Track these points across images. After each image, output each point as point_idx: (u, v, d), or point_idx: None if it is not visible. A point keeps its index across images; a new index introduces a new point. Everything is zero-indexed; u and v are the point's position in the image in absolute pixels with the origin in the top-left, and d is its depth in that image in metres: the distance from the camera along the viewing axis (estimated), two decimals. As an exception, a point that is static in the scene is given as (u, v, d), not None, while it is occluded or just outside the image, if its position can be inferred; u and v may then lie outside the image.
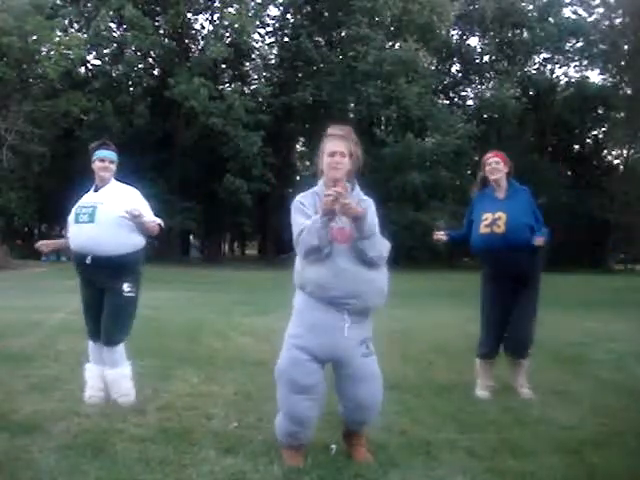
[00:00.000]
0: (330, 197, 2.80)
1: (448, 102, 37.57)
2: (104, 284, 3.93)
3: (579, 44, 38.05)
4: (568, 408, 4.10)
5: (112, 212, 3.90)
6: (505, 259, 4.24)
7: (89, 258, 3.85)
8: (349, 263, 2.90)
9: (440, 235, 4.70)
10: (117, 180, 4.18)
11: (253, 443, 3.25)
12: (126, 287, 3.93)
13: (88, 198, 4.08)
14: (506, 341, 4.43)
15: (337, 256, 2.91)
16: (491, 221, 4.29)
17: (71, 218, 4.04)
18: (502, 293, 4.39)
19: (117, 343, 4.00)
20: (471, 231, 4.52)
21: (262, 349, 5.82)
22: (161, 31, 31.20)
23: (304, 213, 3.00)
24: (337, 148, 3.03)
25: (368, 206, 3.07)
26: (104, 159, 4.07)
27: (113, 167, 4.11)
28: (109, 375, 4.01)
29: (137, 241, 3.99)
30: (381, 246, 3.00)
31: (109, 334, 3.97)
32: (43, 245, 4.18)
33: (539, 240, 4.18)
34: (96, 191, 4.08)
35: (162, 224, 4.08)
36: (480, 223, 4.37)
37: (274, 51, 34.87)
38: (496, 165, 4.45)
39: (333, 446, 3.15)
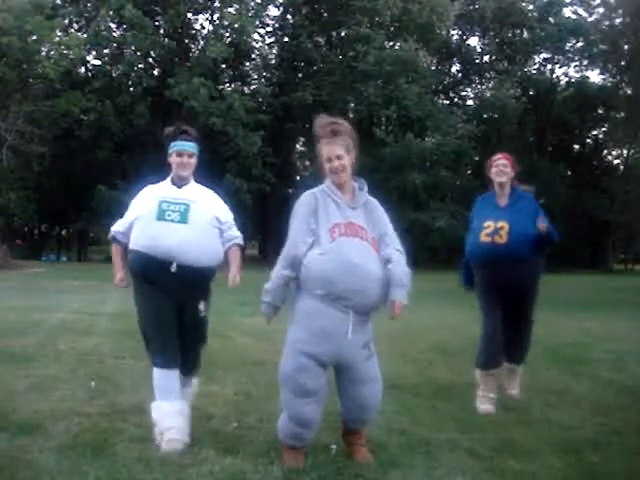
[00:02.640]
0: None
1: (448, 102, 37.60)
2: (179, 299, 3.25)
3: (579, 44, 38.09)
4: (568, 408, 4.09)
5: (207, 214, 3.33)
6: (505, 271, 4.05)
7: (174, 266, 3.17)
8: (358, 257, 2.88)
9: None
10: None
11: (253, 443, 3.25)
12: (202, 306, 3.34)
13: (174, 193, 3.34)
14: (512, 348, 4.30)
15: (346, 250, 2.89)
16: (493, 230, 4.08)
17: (150, 213, 3.26)
18: (500, 304, 4.19)
19: (197, 369, 3.49)
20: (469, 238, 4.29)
21: (262, 349, 5.82)
22: (161, 31, 31.26)
23: (307, 228, 2.95)
24: (331, 153, 2.98)
25: (375, 207, 3.09)
26: (182, 152, 3.36)
27: (193, 162, 3.41)
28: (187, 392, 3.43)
29: (221, 253, 3.43)
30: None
31: (193, 362, 3.41)
32: (121, 280, 3.46)
33: (542, 225, 4.00)
34: (179, 187, 3.39)
35: (241, 243, 3.54)
36: (481, 231, 4.14)
37: (274, 51, 34.92)
38: (503, 168, 4.23)
39: (333, 446, 3.15)
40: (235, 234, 3.49)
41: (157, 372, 3.20)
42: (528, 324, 4.33)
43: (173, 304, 3.24)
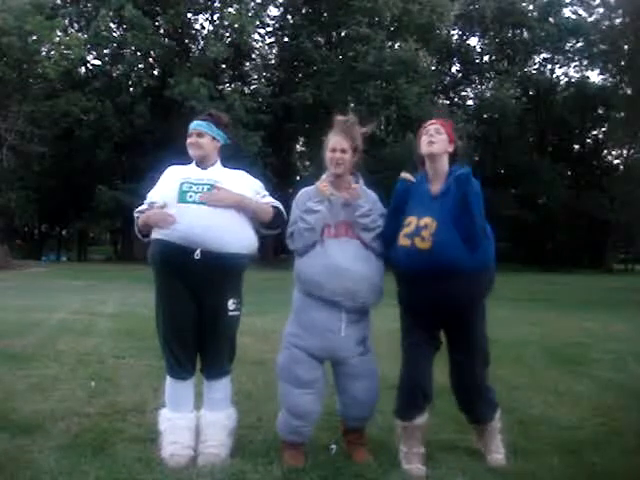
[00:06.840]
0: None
1: (448, 102, 37.59)
2: (204, 295, 2.97)
3: (579, 44, 38.15)
4: (568, 408, 4.09)
5: None
6: (430, 286, 2.84)
7: (198, 252, 2.86)
8: (345, 259, 2.91)
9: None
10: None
11: (253, 443, 3.25)
12: (231, 304, 3.05)
13: (197, 173, 3.09)
14: (458, 401, 3.18)
15: (331, 252, 2.93)
16: (414, 230, 2.87)
17: (171, 195, 2.99)
18: (426, 332, 3.03)
19: (224, 374, 3.10)
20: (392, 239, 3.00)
21: (262, 349, 5.81)
22: (161, 31, 31.22)
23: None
24: (337, 145, 3.03)
25: (375, 200, 3.10)
26: (191, 132, 3.13)
27: (203, 142, 3.11)
28: (206, 418, 3.07)
29: (253, 240, 3.09)
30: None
31: (214, 363, 3.06)
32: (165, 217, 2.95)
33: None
34: (203, 169, 3.13)
35: (281, 208, 3.15)
36: (401, 229, 2.96)
37: (274, 51, 34.92)
38: (436, 134, 2.97)
39: (333, 446, 3.15)
40: (271, 200, 3.17)
41: (169, 381, 3.06)
42: (477, 364, 3.03)
43: (195, 305, 2.96)
